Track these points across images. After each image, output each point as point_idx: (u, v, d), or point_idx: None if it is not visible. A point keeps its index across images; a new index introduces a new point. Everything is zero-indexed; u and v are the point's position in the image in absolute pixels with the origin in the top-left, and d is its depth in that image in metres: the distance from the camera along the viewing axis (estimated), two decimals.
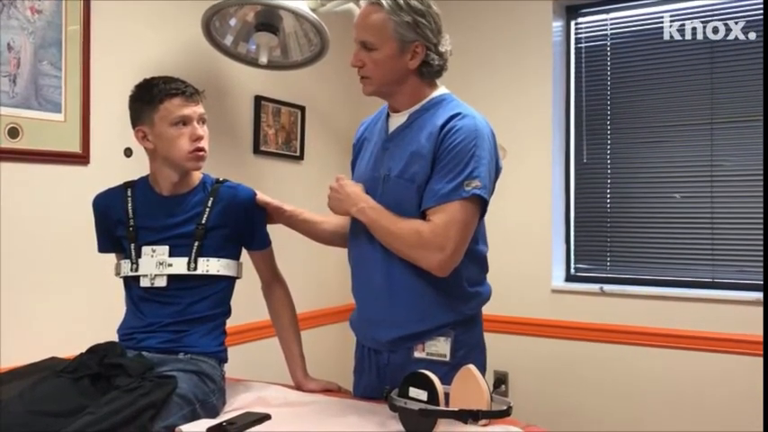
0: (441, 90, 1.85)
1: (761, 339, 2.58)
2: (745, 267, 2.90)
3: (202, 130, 1.84)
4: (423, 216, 1.73)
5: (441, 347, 1.78)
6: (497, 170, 1.80)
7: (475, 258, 1.83)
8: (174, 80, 1.83)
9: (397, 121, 1.85)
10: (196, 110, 1.82)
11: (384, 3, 1.72)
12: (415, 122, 1.80)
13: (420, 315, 1.78)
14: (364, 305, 1.91)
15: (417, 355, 1.79)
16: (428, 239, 1.68)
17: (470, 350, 1.80)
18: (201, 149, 1.82)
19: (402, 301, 1.79)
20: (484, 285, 1.89)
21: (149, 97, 1.80)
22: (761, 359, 2.55)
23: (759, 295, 2.71)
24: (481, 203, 1.72)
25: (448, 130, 1.71)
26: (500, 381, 3.22)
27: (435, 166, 1.72)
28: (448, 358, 1.76)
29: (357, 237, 1.86)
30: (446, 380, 1.53)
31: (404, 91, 1.81)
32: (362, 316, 1.92)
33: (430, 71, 1.80)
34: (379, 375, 1.86)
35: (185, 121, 1.80)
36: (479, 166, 1.69)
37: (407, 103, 1.83)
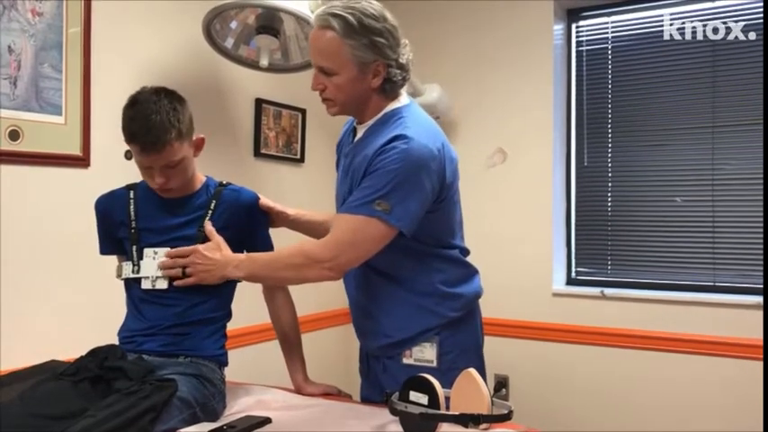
0: (397, 102, 1.78)
1: (761, 343, 2.58)
2: (746, 271, 2.90)
3: (160, 177, 1.76)
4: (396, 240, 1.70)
5: (427, 353, 1.79)
6: (442, 188, 1.73)
7: (447, 261, 1.82)
8: (143, 121, 1.70)
9: (359, 134, 1.82)
10: (157, 160, 1.73)
11: (336, 26, 1.65)
12: (367, 138, 1.76)
13: (401, 323, 1.79)
14: (356, 314, 1.93)
15: (406, 361, 1.80)
16: (317, 253, 1.68)
17: (461, 354, 1.80)
18: (165, 189, 1.80)
19: (380, 310, 1.82)
20: (468, 285, 1.85)
21: (123, 129, 1.74)
22: (761, 363, 2.55)
23: (760, 299, 2.70)
24: (390, 228, 1.64)
25: (381, 152, 1.66)
26: (501, 384, 3.21)
27: (362, 180, 1.69)
28: (435, 364, 1.77)
29: None
30: None
31: (368, 107, 1.78)
32: (356, 323, 1.95)
33: (393, 86, 1.75)
34: (378, 379, 1.88)
35: (147, 167, 1.77)
36: (396, 192, 1.62)
37: (369, 117, 1.79)
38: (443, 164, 1.72)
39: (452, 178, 1.78)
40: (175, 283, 1.78)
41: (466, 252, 1.89)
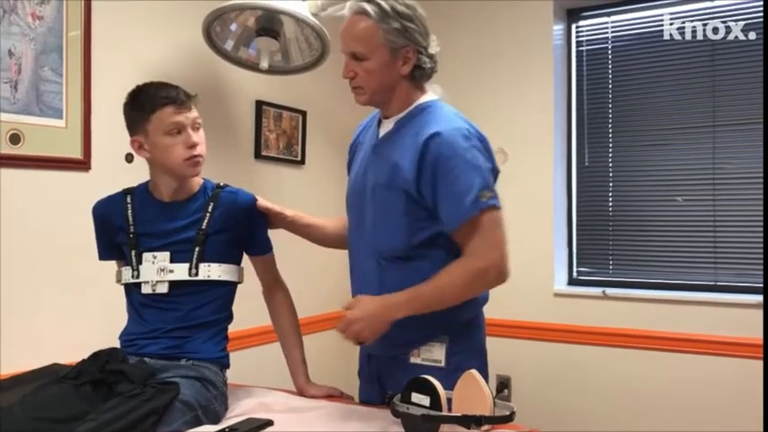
0: (427, 96, 1.83)
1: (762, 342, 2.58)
2: (747, 270, 2.89)
3: (197, 136, 1.82)
4: (420, 229, 1.72)
5: (436, 353, 1.78)
6: (495, 171, 1.79)
7: None
8: (165, 87, 1.81)
9: (387, 127, 1.84)
10: (189, 116, 1.80)
11: (370, 11, 1.70)
12: (401, 130, 1.78)
13: (412, 321, 1.77)
14: None
15: (413, 360, 1.80)
16: (481, 267, 1.68)
17: (467, 355, 1.79)
18: (197, 155, 1.82)
19: None
20: None
21: (141, 107, 1.79)
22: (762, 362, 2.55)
23: (761, 298, 2.70)
24: (499, 210, 1.71)
25: (440, 152, 1.67)
26: (503, 385, 3.21)
27: (440, 185, 1.68)
28: (443, 364, 1.76)
29: (352, 249, 1.88)
30: (442, 385, 1.52)
31: (396, 97, 1.80)
32: None
33: (422, 74, 1.79)
34: (380, 380, 1.88)
35: (179, 129, 1.79)
36: (485, 175, 1.69)
37: (396, 110, 1.82)
38: (488, 145, 1.79)
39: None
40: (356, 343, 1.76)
41: None
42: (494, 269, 1.69)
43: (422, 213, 1.72)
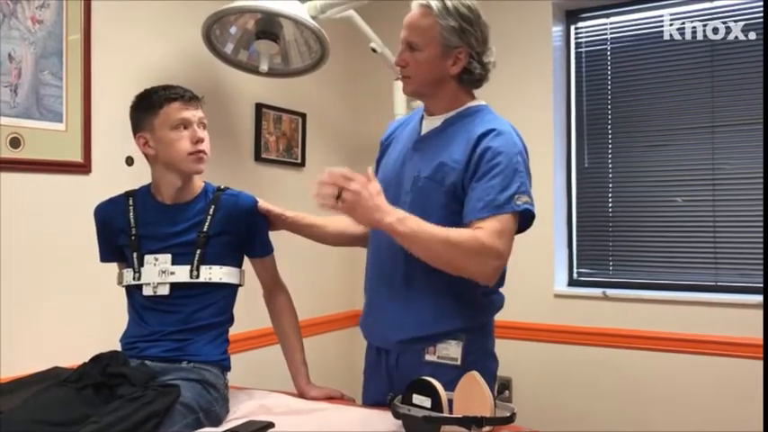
0: (478, 101, 1.88)
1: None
2: (748, 270, 2.89)
3: (203, 133, 1.85)
4: (456, 224, 1.70)
5: (452, 351, 1.78)
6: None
7: None
8: (174, 87, 1.86)
9: (431, 124, 1.86)
10: (196, 113, 1.84)
11: (433, 6, 1.75)
12: (450, 129, 1.82)
13: (433, 318, 1.78)
14: (378, 304, 1.89)
15: (428, 357, 1.79)
16: (488, 246, 1.65)
17: (480, 356, 1.80)
18: (202, 151, 1.83)
19: (418, 302, 1.79)
20: (497, 294, 1.89)
21: (149, 104, 1.82)
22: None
23: (762, 298, 2.70)
24: (526, 218, 1.74)
25: (490, 146, 1.71)
26: (503, 387, 3.22)
27: (478, 177, 1.70)
28: (459, 362, 1.76)
29: (379, 237, 1.83)
30: (454, 384, 1.52)
31: (442, 95, 1.83)
32: (375, 315, 1.91)
33: (470, 79, 1.82)
34: (389, 377, 1.86)
35: (185, 125, 1.82)
36: (526, 182, 1.73)
37: (444, 108, 1.84)
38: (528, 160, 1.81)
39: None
40: (328, 205, 1.62)
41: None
42: (495, 258, 1.66)
43: (458, 208, 1.74)
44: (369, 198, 1.62)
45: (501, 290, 1.91)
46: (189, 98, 1.84)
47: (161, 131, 1.81)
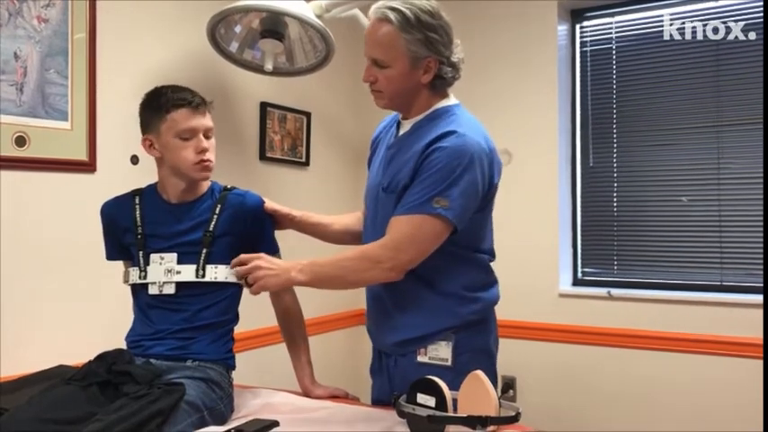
0: (447, 101, 1.83)
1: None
2: (754, 270, 2.88)
3: (208, 142, 1.83)
4: None
5: (442, 352, 1.79)
6: (490, 188, 1.77)
7: (475, 265, 1.84)
8: (183, 90, 1.84)
9: (404, 128, 1.85)
10: (202, 122, 1.82)
11: (393, 18, 1.68)
12: (416, 132, 1.79)
13: (419, 320, 1.79)
14: (375, 308, 1.93)
15: (420, 359, 1.80)
16: (374, 258, 1.69)
17: (475, 355, 1.79)
18: (207, 161, 1.83)
19: (402, 306, 1.82)
20: (487, 291, 1.87)
21: (157, 106, 1.81)
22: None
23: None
24: (447, 224, 1.68)
25: (435, 149, 1.68)
26: (508, 386, 3.21)
27: (416, 179, 1.70)
28: (449, 363, 1.77)
29: (365, 243, 1.86)
30: (450, 385, 1.52)
31: (415, 102, 1.81)
32: (372, 319, 1.95)
33: (443, 83, 1.79)
34: (390, 378, 1.88)
35: (191, 134, 1.80)
36: (453, 188, 1.65)
37: (416, 113, 1.82)
38: (493, 163, 1.76)
39: (497, 180, 1.81)
40: (251, 291, 1.79)
41: (493, 255, 1.89)
42: (388, 266, 1.68)
43: None
44: (268, 267, 1.75)
45: (503, 288, 1.90)
46: (197, 105, 1.81)
47: (167, 137, 1.81)
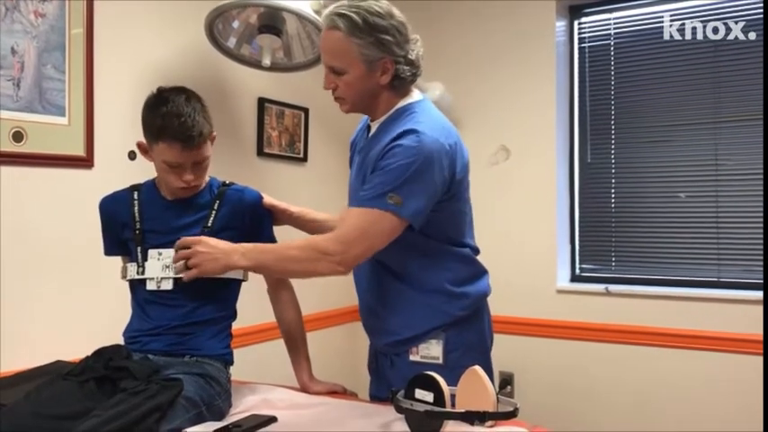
0: (409, 98, 1.80)
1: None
2: (751, 266, 2.89)
3: (190, 174, 1.79)
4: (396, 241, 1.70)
5: (433, 350, 1.79)
6: (452, 183, 1.74)
7: (457, 259, 1.83)
8: (180, 117, 1.73)
9: (372, 130, 1.84)
10: (191, 155, 1.77)
11: (342, 25, 1.67)
12: (380, 134, 1.77)
13: (407, 321, 1.80)
14: (366, 309, 1.93)
15: (413, 358, 1.81)
16: (322, 250, 1.66)
17: (466, 352, 1.80)
18: (190, 187, 1.82)
19: (388, 308, 1.83)
20: (474, 285, 1.85)
21: (152, 126, 1.76)
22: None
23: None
24: (400, 221, 1.65)
25: (391, 146, 1.67)
26: (506, 381, 3.22)
27: (372, 174, 1.70)
28: (440, 361, 1.77)
29: None
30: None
31: (378, 103, 1.79)
32: (365, 319, 1.96)
33: (402, 83, 1.77)
34: (386, 376, 1.89)
35: (178, 165, 1.77)
36: (408, 186, 1.63)
37: (380, 114, 1.81)
38: (455, 159, 1.73)
39: (462, 174, 1.78)
40: (184, 276, 1.74)
41: (476, 251, 1.89)
42: (336, 259, 1.65)
43: None
44: (207, 251, 1.73)
45: (501, 284, 1.90)
46: (189, 141, 1.73)
47: (156, 157, 1.79)
